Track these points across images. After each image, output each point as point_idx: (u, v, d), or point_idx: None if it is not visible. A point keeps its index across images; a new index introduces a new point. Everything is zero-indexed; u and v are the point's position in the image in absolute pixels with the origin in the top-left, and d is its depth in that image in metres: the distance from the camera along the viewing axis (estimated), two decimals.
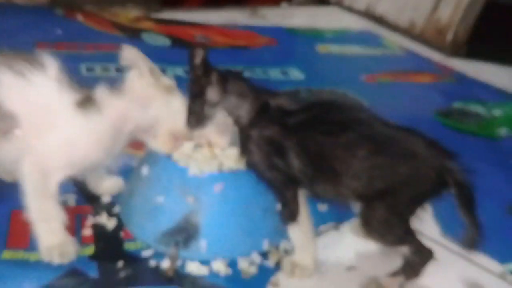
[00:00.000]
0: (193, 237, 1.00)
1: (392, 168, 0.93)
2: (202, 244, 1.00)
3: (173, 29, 2.42)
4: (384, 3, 2.93)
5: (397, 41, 2.68)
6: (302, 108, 0.99)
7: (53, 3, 2.52)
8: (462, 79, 2.26)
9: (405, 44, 2.65)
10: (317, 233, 1.10)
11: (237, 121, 0.96)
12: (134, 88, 0.97)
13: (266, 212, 1.04)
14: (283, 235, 1.07)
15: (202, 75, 0.95)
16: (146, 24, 2.45)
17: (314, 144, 0.95)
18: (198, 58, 0.94)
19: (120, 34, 2.27)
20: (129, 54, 0.96)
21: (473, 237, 0.94)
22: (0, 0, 2.42)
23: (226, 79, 0.96)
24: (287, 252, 1.05)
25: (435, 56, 2.52)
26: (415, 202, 0.96)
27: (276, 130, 0.95)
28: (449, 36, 2.56)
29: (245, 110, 0.95)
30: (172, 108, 0.99)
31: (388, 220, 0.95)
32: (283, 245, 1.06)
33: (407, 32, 2.75)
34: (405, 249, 0.98)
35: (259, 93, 0.98)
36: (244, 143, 0.97)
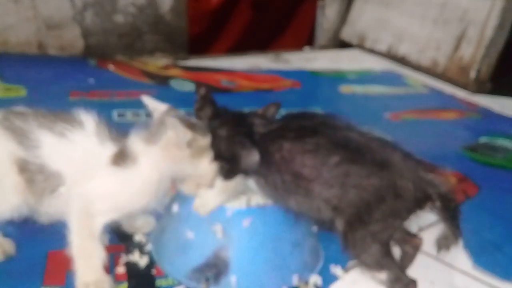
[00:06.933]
0: (223, 273, 1.01)
1: (366, 178, 0.90)
2: (232, 280, 1.01)
3: (200, 75, 2.50)
4: (405, 44, 2.98)
5: (420, 80, 2.70)
6: (271, 122, 1.01)
7: (86, 54, 2.65)
8: (487, 115, 2.27)
9: (428, 82, 2.68)
10: (346, 269, 1.10)
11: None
12: (169, 149, 0.99)
13: (294, 247, 1.05)
14: (313, 270, 1.08)
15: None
16: (174, 72, 2.54)
17: (279, 150, 0.94)
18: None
19: (149, 82, 2.36)
20: (170, 122, 0.96)
21: (451, 245, 0.93)
22: (35, 52, 2.56)
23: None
24: (317, 287, 1.05)
25: (459, 94, 2.53)
26: (393, 219, 0.92)
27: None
28: (472, 74, 2.57)
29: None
30: (199, 170, 1.01)
31: (364, 239, 0.92)
32: (312, 280, 1.06)
33: (430, 71, 2.78)
34: (382, 276, 0.95)
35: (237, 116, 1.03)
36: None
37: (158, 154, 0.99)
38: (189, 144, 0.97)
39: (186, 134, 0.96)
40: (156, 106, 1.03)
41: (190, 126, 0.97)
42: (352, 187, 0.91)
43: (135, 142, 1.00)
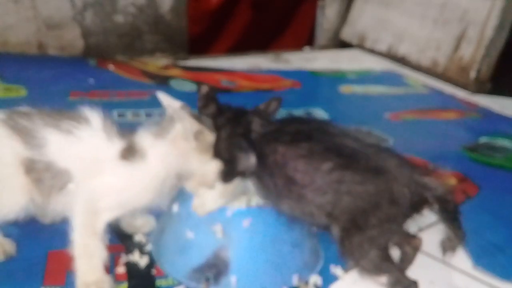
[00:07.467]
0: (223, 273, 1.01)
1: (361, 184, 0.89)
2: (232, 280, 1.01)
3: (200, 75, 2.50)
4: (405, 44, 2.97)
5: (420, 80, 2.70)
6: (269, 122, 1.01)
7: (86, 54, 2.65)
8: (487, 115, 2.26)
9: (428, 82, 2.67)
10: (346, 269, 1.10)
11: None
12: (176, 142, 0.99)
13: (294, 247, 1.05)
14: (313, 270, 1.08)
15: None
16: (174, 72, 2.54)
17: (273, 153, 0.93)
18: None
19: (149, 82, 2.36)
20: (177, 113, 0.98)
21: (456, 246, 0.92)
22: (35, 52, 2.56)
23: None
24: (317, 287, 1.05)
25: (459, 94, 2.53)
26: (390, 224, 0.91)
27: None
28: (472, 74, 2.57)
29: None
30: (203, 168, 1.01)
31: (361, 244, 0.91)
32: (312, 280, 1.06)
33: (430, 71, 2.78)
34: (383, 280, 0.95)
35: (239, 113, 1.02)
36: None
37: (166, 148, 0.99)
38: (196, 136, 0.97)
39: (193, 125, 0.96)
40: (170, 103, 1.03)
41: (198, 119, 0.97)
42: (346, 193, 0.90)
43: (144, 137, 1.01)
